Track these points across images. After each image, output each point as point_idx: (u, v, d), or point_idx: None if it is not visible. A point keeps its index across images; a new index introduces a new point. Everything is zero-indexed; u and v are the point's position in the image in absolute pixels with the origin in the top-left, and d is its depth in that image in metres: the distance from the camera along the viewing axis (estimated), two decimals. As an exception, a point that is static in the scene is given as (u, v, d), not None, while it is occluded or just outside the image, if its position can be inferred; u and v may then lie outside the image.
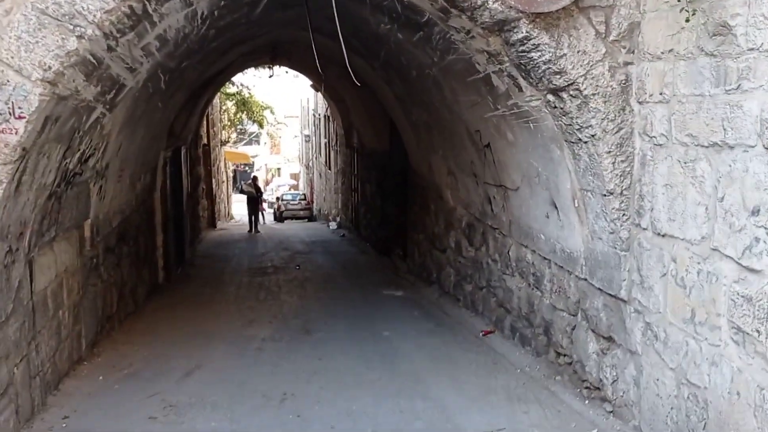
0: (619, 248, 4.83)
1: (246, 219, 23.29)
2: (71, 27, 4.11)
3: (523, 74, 5.02)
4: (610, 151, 4.69)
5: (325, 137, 26.63)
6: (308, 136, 35.66)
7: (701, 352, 3.91)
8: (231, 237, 19.79)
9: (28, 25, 4.07)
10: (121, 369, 6.36)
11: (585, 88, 4.64)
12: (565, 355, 5.88)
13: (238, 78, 27.76)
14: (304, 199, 33.55)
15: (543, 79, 4.81)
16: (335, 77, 14.89)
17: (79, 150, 5.33)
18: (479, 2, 4.67)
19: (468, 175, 8.14)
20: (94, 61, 4.44)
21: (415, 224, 11.88)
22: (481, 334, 7.50)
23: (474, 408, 5.41)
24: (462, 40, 5.41)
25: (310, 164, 35.74)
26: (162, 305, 9.47)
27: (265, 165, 55.16)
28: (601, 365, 5.20)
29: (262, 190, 27.73)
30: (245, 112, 33.24)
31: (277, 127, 39.01)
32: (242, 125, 37.03)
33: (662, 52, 4.28)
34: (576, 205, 5.30)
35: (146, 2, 4.42)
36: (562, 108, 4.87)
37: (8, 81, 4.05)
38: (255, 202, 22.56)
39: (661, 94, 4.33)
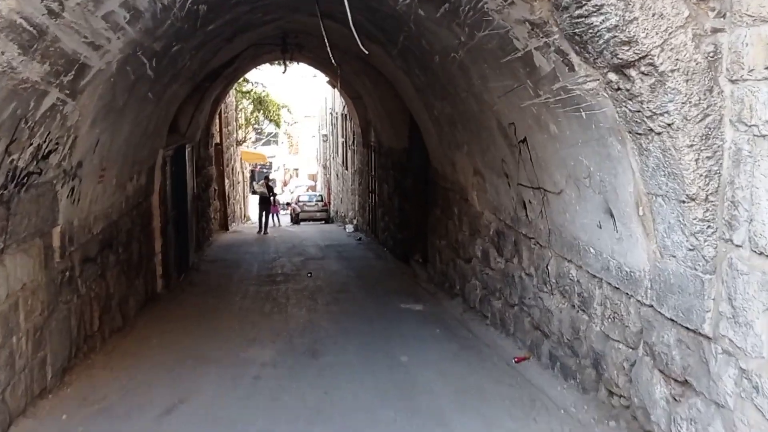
0: (701, 270, 3.77)
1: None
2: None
3: (577, 48, 3.98)
4: (692, 145, 3.63)
5: (342, 136, 25.73)
6: (326, 135, 34.80)
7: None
8: (243, 240, 18.89)
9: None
10: (91, 403, 5.41)
11: (661, 63, 3.57)
12: (621, 396, 4.82)
13: (254, 76, 27.09)
14: (321, 200, 32.64)
15: (605, 52, 3.77)
16: (352, 73, 13.95)
17: (30, 144, 4.39)
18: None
19: (498, 175, 7.11)
20: (31, 28, 3.48)
21: (436, 229, 10.85)
22: (513, 360, 6.45)
23: (511, 463, 4.39)
24: (498, 8, 4.39)
25: (328, 164, 34.86)
26: (155, 319, 8.55)
27: (283, 165, 54.43)
28: (673, 416, 4.13)
29: (276, 190, 27.00)
30: (262, 111, 32.51)
31: (295, 127, 38.25)
32: (259, 125, 36.28)
33: (768, 14, 3.23)
34: (640, 213, 4.25)
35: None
36: (628, 90, 3.82)
37: None
38: (267, 203, 22.26)
39: (766, 68, 3.27)
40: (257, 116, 33.49)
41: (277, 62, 19.21)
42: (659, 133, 3.77)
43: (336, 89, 20.91)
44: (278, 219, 26.83)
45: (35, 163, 4.64)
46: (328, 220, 29.56)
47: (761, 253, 3.33)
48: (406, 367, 6.45)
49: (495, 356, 6.72)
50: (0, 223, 4.40)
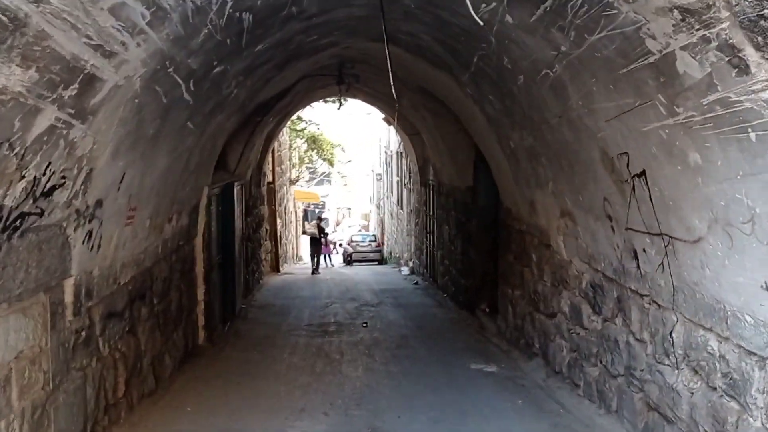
0: None
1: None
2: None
3: (759, 39, 2.81)
4: None
5: (397, 175, 24.81)
6: (379, 174, 33.97)
7: None
8: (294, 283, 17.91)
9: None
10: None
11: None
12: None
13: (308, 114, 26.60)
14: (375, 240, 31.63)
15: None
16: (410, 107, 13.01)
17: (22, 177, 3.44)
18: None
19: (597, 217, 5.88)
20: (4, 18, 2.54)
21: (507, 277, 9.60)
22: (625, 450, 5.14)
23: None
24: (630, -4, 3.27)
25: (381, 204, 33.97)
26: (194, 379, 7.53)
27: (336, 205, 53.90)
28: None
29: (327, 230, 26.36)
30: (315, 150, 32.03)
31: (348, 165, 37.66)
32: (312, 164, 35.81)
33: None
34: None
35: None
36: None
37: None
38: (318, 243, 22.03)
39: None
40: (311, 155, 33.05)
41: (331, 99, 18.62)
42: None
43: (392, 126, 20.10)
44: (330, 259, 25.98)
45: (32, 201, 3.69)
46: (381, 260, 28.49)
47: None
48: (488, 456, 5.22)
49: (598, 442, 5.41)
50: (-18, 278, 3.44)
